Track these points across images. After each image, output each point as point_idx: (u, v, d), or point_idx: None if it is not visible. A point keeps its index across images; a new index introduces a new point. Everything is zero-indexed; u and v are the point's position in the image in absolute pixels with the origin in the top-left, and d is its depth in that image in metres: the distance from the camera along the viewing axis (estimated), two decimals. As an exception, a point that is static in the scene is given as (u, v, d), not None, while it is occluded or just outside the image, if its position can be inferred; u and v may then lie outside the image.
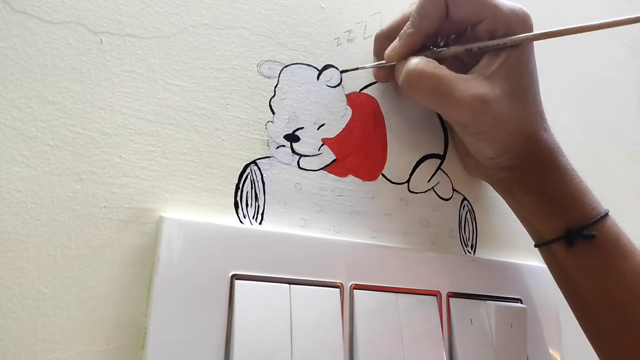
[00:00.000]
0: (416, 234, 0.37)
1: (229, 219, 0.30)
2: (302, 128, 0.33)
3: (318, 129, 0.34)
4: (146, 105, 0.29)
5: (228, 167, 0.30)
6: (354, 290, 0.31)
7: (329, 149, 0.34)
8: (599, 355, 0.35)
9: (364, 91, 0.37)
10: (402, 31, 0.34)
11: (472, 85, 0.32)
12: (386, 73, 0.36)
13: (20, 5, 0.26)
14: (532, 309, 0.39)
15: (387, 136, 0.37)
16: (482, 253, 0.40)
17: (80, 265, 0.25)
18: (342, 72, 0.36)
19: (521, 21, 0.32)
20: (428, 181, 0.38)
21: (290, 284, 0.29)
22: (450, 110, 0.33)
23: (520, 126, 0.33)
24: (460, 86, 0.31)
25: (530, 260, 0.43)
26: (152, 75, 0.29)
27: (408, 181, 0.37)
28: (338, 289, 0.31)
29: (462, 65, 0.35)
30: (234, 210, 0.30)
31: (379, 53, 0.36)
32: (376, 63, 0.36)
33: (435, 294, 0.35)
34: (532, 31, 0.33)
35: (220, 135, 0.31)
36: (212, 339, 0.26)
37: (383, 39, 0.36)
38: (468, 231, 0.40)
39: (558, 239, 0.34)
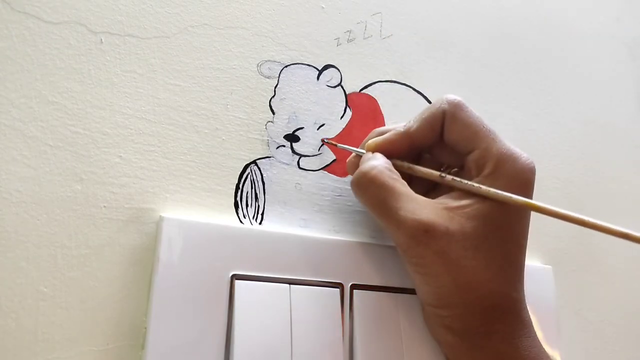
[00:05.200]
0: (416, 234, 0.37)
1: (229, 219, 0.30)
2: (302, 128, 0.33)
3: (318, 129, 0.34)
4: (146, 105, 0.29)
5: (228, 167, 0.30)
6: (354, 290, 0.31)
7: (329, 149, 0.34)
8: None
9: (364, 91, 0.37)
10: (393, 129, 0.32)
11: (422, 209, 0.28)
12: (356, 164, 0.32)
13: (20, 5, 0.26)
14: (532, 309, 0.39)
15: (387, 136, 0.37)
16: (482, 253, 0.40)
17: (80, 265, 0.25)
18: (323, 141, 0.34)
19: (512, 173, 0.28)
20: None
21: (290, 284, 0.29)
22: (388, 227, 0.29)
23: (472, 279, 0.28)
24: (408, 206, 0.28)
25: (530, 260, 0.43)
26: (152, 75, 0.29)
27: (408, 181, 0.37)
28: (338, 289, 0.31)
29: (439, 192, 0.31)
30: (234, 210, 0.30)
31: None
32: (353, 148, 0.33)
33: (435, 294, 0.35)
34: (529, 192, 0.29)
35: (220, 135, 0.31)
36: (212, 339, 0.26)
37: (374, 134, 0.32)
38: (468, 231, 0.40)
39: None
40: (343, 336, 0.30)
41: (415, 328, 0.32)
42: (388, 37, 0.39)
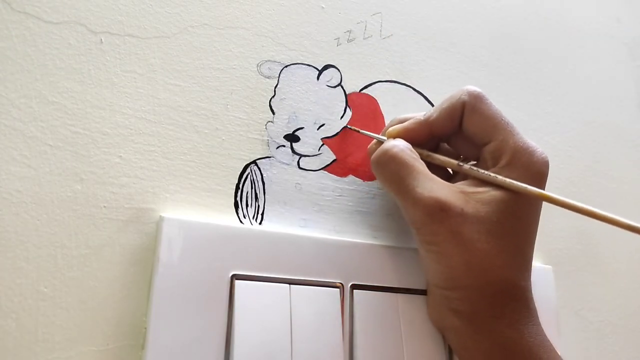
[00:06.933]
0: (416, 234, 0.37)
1: (229, 219, 0.30)
2: (302, 128, 0.33)
3: (318, 129, 0.34)
4: (146, 105, 0.29)
5: (228, 167, 0.30)
6: (354, 290, 0.31)
7: (329, 149, 0.34)
8: None
9: (364, 91, 0.37)
10: (413, 117, 0.33)
11: (439, 189, 0.29)
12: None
13: (20, 5, 0.26)
14: (532, 309, 0.39)
15: (387, 136, 0.37)
16: (482, 253, 0.40)
17: (80, 265, 0.25)
18: (345, 127, 0.35)
19: (528, 166, 0.29)
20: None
21: (290, 284, 0.29)
22: (405, 204, 0.30)
23: (484, 262, 0.28)
24: (426, 184, 0.29)
25: (530, 260, 0.43)
26: (152, 75, 0.29)
27: (408, 181, 0.37)
28: (338, 289, 0.31)
29: (455, 182, 0.32)
30: (234, 210, 0.30)
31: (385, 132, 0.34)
32: (375, 134, 0.34)
33: (435, 294, 0.35)
34: (542, 184, 0.30)
35: (220, 135, 0.31)
36: (212, 339, 0.26)
37: (394, 122, 0.34)
38: (468, 231, 0.40)
39: None
40: (343, 336, 0.30)
41: (415, 328, 0.32)
42: (388, 37, 0.39)
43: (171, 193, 0.29)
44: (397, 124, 0.33)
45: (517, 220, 0.29)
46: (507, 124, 0.30)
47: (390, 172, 0.30)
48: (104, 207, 0.27)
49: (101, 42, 0.28)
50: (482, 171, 0.30)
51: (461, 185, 0.30)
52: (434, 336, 0.33)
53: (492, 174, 0.29)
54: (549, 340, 0.29)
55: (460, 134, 0.32)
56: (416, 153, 0.31)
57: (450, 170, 0.34)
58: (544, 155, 0.30)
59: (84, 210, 0.26)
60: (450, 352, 0.34)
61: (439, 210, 0.28)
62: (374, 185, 0.36)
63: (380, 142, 0.33)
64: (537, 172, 0.30)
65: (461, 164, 0.31)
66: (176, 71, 0.30)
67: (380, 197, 0.36)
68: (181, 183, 0.29)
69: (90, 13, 0.28)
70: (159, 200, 0.28)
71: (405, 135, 0.32)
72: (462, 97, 0.31)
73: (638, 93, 0.58)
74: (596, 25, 0.56)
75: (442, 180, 0.30)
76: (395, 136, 0.32)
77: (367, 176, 0.35)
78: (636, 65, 0.59)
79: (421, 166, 0.30)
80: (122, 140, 0.28)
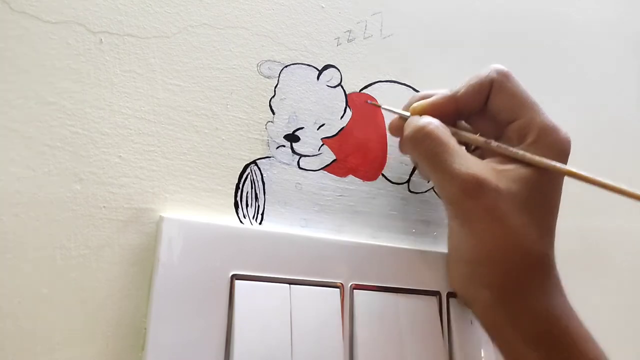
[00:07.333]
0: (417, 234, 0.37)
1: (229, 219, 0.30)
2: (302, 128, 0.33)
3: (318, 129, 0.34)
4: (146, 105, 0.29)
5: (228, 167, 0.30)
6: (354, 290, 0.31)
7: (329, 149, 0.34)
8: None
9: (364, 91, 0.37)
10: (435, 93, 0.33)
11: (475, 165, 0.30)
12: (401, 127, 0.33)
13: (19, 5, 0.26)
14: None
15: (387, 136, 0.37)
16: (482, 253, 0.40)
17: (80, 266, 0.25)
18: (366, 102, 0.35)
19: (553, 144, 0.30)
20: (428, 181, 0.38)
21: (290, 284, 0.29)
22: (441, 180, 0.31)
23: (517, 237, 0.29)
24: (462, 160, 0.30)
25: (530, 260, 0.43)
26: (152, 75, 0.29)
27: (408, 181, 0.37)
28: (338, 289, 0.31)
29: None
30: (234, 210, 0.30)
31: (406, 108, 0.35)
32: (398, 110, 0.34)
33: (435, 294, 0.35)
34: (565, 162, 0.30)
35: (220, 135, 0.31)
36: (212, 339, 0.26)
37: (416, 98, 0.34)
38: (468, 231, 0.40)
39: None
40: (343, 336, 0.30)
41: (415, 328, 0.32)
42: (388, 36, 0.39)
43: (171, 193, 0.28)
44: (418, 100, 0.33)
45: (543, 195, 0.30)
46: (534, 103, 0.31)
47: (426, 148, 0.31)
48: (104, 207, 0.27)
49: (100, 42, 0.28)
50: (511, 148, 0.31)
51: (490, 163, 0.31)
52: (434, 336, 0.33)
53: (521, 152, 0.30)
54: (574, 311, 0.30)
55: (484, 112, 0.32)
56: (449, 131, 0.31)
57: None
58: (567, 135, 0.31)
59: (84, 210, 0.26)
60: (450, 352, 0.34)
61: (477, 186, 0.29)
62: (374, 186, 0.36)
63: (404, 119, 0.33)
64: (562, 150, 0.31)
65: (489, 141, 0.31)
66: (176, 71, 0.30)
67: (381, 198, 0.36)
68: (181, 183, 0.29)
69: (89, 13, 0.28)
70: (159, 200, 0.28)
71: (432, 110, 0.32)
72: (491, 74, 0.31)
73: None
74: (600, 21, 0.56)
75: (476, 158, 0.31)
76: (420, 112, 0.32)
77: (367, 176, 0.35)
78: (639, 63, 0.59)
79: (455, 144, 0.31)
80: (122, 140, 0.28)
